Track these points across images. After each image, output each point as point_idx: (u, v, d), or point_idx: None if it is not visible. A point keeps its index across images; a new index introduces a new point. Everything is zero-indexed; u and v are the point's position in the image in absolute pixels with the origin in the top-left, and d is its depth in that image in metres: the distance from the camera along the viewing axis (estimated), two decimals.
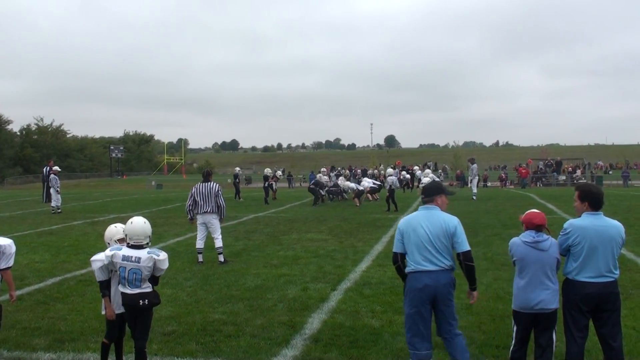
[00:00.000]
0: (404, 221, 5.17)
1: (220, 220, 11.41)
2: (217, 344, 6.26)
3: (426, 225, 4.99)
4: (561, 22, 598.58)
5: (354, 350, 6.01)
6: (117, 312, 5.48)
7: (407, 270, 5.03)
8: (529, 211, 5.17)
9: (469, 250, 5.00)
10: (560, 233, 5.01)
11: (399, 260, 5.09)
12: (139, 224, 5.35)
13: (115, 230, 5.71)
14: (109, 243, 5.67)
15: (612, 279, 4.84)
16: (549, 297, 4.90)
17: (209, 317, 7.27)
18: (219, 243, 11.12)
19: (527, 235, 5.01)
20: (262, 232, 15.57)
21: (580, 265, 4.85)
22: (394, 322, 6.93)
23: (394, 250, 5.14)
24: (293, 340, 6.36)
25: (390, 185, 22.62)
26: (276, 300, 8.09)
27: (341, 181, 27.35)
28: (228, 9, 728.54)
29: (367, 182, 27.85)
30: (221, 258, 11.03)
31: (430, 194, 5.20)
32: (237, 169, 34.40)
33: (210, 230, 11.24)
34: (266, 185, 28.03)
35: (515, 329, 5.05)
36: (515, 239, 5.10)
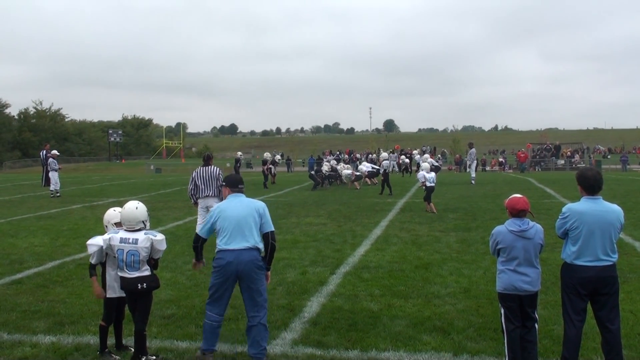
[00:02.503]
0: (218, 206, 5.55)
1: None
2: None
3: (237, 209, 5.41)
4: (561, 7, 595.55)
5: (353, 333, 6.05)
6: (115, 295, 5.51)
7: (216, 249, 5.39)
8: (511, 196, 5.20)
9: (274, 231, 5.55)
10: (559, 217, 5.03)
11: (200, 242, 5.60)
12: (130, 210, 5.36)
13: (113, 214, 5.72)
14: (106, 226, 5.70)
15: (610, 263, 4.86)
16: (534, 280, 5.01)
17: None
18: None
19: (513, 224, 5.05)
20: None
21: (578, 249, 4.87)
22: (393, 305, 6.96)
23: (199, 233, 5.58)
24: (292, 323, 6.39)
25: (385, 169, 22.71)
26: (275, 283, 8.11)
27: (340, 167, 27.36)
28: None
29: (364, 167, 27.87)
30: None
31: (238, 184, 5.65)
32: (239, 153, 34.39)
33: None
34: (265, 169, 28.01)
35: (503, 311, 5.10)
36: (500, 228, 5.14)
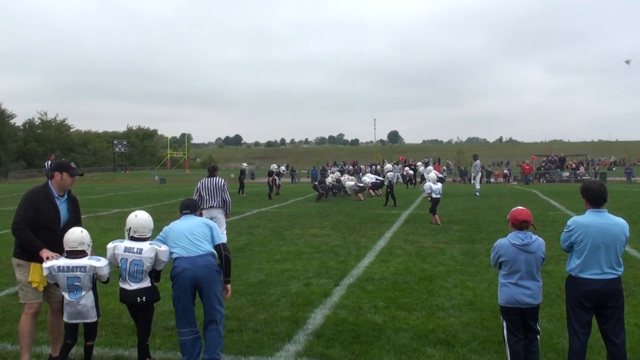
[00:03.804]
0: (166, 226, 5.68)
1: (226, 215, 11.43)
2: None
3: (185, 223, 5.62)
4: (564, 20, 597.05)
5: (357, 345, 6.03)
6: (73, 321, 5.31)
7: (172, 261, 5.47)
8: (514, 209, 5.21)
9: (225, 243, 5.71)
10: (564, 230, 5.03)
11: None
12: (144, 216, 5.46)
13: (86, 234, 5.38)
14: (89, 245, 5.37)
15: (615, 276, 4.85)
16: (535, 293, 5.04)
17: None
18: (223, 238, 11.11)
19: (515, 237, 5.06)
20: (265, 227, 15.58)
21: (583, 262, 4.85)
22: (397, 317, 6.94)
23: None
24: (296, 335, 6.37)
25: (390, 181, 22.74)
26: (279, 295, 8.10)
27: (344, 178, 27.40)
28: (240, 6, 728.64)
29: (368, 178, 27.89)
30: None
31: (183, 210, 5.83)
32: (244, 164, 34.70)
33: None
34: (269, 180, 28.08)
35: (505, 324, 5.11)
36: (502, 241, 5.14)
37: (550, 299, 7.48)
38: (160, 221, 16.60)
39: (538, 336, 5.13)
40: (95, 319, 5.33)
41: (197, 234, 5.49)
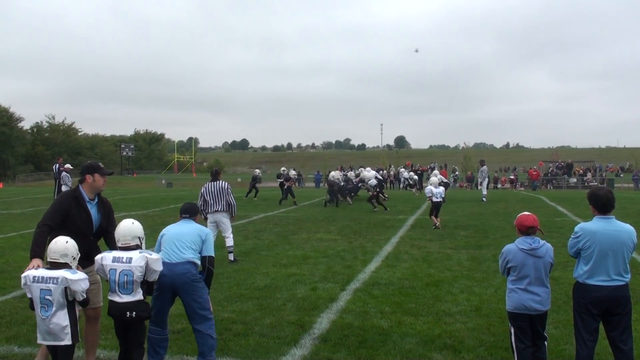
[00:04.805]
0: (164, 230, 5.77)
1: (231, 219, 11.44)
2: (226, 343, 6.28)
3: (178, 229, 5.70)
4: (572, 27, 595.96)
5: (363, 350, 6.02)
6: (46, 343, 4.78)
7: None
8: (520, 214, 5.21)
9: (213, 257, 5.69)
10: (572, 236, 5.02)
11: None
12: (126, 224, 5.14)
13: (56, 246, 4.80)
14: (74, 258, 4.84)
15: (622, 283, 4.83)
16: (544, 300, 5.03)
17: (218, 316, 7.28)
18: (229, 242, 11.13)
19: (523, 242, 5.06)
20: (272, 232, 15.59)
21: (590, 269, 4.84)
22: (403, 322, 6.93)
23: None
24: (302, 339, 6.37)
25: (375, 187, 22.92)
26: (285, 299, 8.10)
27: (351, 175, 27.47)
28: (249, 13, 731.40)
29: (369, 172, 27.82)
30: (231, 257, 11.05)
31: (183, 213, 5.88)
32: (257, 170, 34.37)
33: (221, 229, 11.25)
34: (286, 186, 27.88)
35: (513, 330, 5.10)
36: (510, 246, 5.14)
37: (557, 305, 7.45)
38: (167, 225, 16.64)
39: (546, 342, 5.12)
40: (69, 343, 4.68)
41: (184, 241, 5.53)
